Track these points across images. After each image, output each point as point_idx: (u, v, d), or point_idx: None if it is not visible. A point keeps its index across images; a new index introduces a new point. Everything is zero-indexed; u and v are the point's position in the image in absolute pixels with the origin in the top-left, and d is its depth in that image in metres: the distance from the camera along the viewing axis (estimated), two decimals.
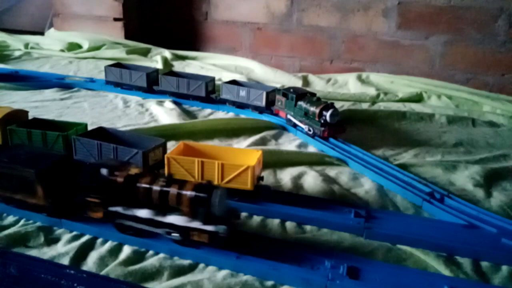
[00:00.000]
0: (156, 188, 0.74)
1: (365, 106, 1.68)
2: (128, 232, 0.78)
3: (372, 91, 1.80)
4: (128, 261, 0.74)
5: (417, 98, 1.77)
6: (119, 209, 0.77)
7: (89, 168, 0.78)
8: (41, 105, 1.52)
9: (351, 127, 1.34)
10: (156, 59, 2.17)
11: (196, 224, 0.73)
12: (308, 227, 0.86)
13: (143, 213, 0.76)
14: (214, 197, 0.72)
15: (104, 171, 0.76)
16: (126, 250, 0.77)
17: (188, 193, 0.72)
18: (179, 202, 0.73)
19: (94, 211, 0.78)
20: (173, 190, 0.73)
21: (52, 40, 2.49)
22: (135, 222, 0.76)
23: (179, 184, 0.74)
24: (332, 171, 1.11)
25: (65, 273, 0.68)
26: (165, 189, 0.74)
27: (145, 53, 2.32)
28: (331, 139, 1.27)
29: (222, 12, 2.37)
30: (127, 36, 2.45)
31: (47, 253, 0.76)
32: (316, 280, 0.70)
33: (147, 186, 0.75)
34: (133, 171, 0.78)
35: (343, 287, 0.69)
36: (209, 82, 1.58)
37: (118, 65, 1.76)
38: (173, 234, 0.75)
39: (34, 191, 0.81)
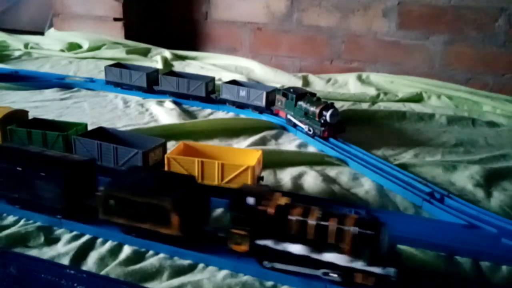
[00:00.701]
0: (312, 222, 0.67)
1: (365, 106, 1.68)
2: (274, 267, 0.70)
3: (372, 91, 1.80)
4: (128, 261, 0.74)
5: (417, 98, 1.77)
6: (268, 243, 0.69)
7: (233, 196, 0.71)
8: (41, 105, 1.52)
9: (351, 127, 1.34)
10: (156, 59, 2.17)
11: (359, 265, 0.65)
12: None
13: (296, 248, 0.68)
14: (383, 235, 0.64)
15: (250, 201, 0.69)
16: (126, 250, 0.77)
17: (351, 229, 0.64)
18: (340, 239, 0.65)
19: (238, 243, 0.71)
20: (332, 225, 0.65)
21: (52, 40, 2.49)
22: (287, 258, 0.69)
23: (338, 217, 0.66)
24: (332, 171, 1.11)
25: (65, 273, 0.69)
26: (322, 223, 0.66)
27: (145, 53, 2.32)
28: (331, 139, 1.27)
29: (222, 12, 2.37)
30: (127, 36, 2.45)
31: (47, 253, 0.75)
32: (316, 280, 0.69)
33: (302, 219, 0.67)
34: (282, 200, 0.70)
35: (343, 287, 0.68)
36: (209, 82, 1.58)
37: (118, 65, 1.76)
38: (330, 275, 0.67)
39: (167, 221, 0.73)
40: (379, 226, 0.64)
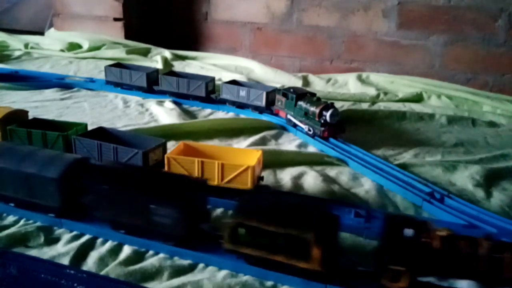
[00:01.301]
0: (483, 254, 0.61)
1: (365, 106, 1.68)
2: None
3: (372, 91, 1.80)
4: (128, 261, 0.74)
5: (417, 98, 1.77)
6: (431, 279, 0.64)
7: (388, 227, 0.65)
8: (41, 105, 1.52)
9: (351, 127, 1.34)
10: (156, 59, 2.17)
11: None
12: None
13: (465, 285, 0.64)
14: None
15: (409, 233, 0.63)
16: (126, 250, 0.77)
17: None
18: None
19: (395, 280, 0.64)
20: (509, 258, 0.60)
21: (52, 40, 2.49)
22: None
23: None
24: (332, 171, 1.11)
25: (65, 273, 0.68)
26: (496, 255, 0.60)
27: (145, 53, 2.32)
28: (331, 139, 1.27)
29: (222, 12, 2.37)
30: (127, 36, 2.45)
31: (47, 253, 0.75)
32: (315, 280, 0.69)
33: (470, 251, 0.61)
34: (442, 231, 0.63)
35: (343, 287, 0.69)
36: (209, 82, 1.58)
37: (118, 65, 1.76)
38: None
39: (307, 254, 0.67)
40: None
